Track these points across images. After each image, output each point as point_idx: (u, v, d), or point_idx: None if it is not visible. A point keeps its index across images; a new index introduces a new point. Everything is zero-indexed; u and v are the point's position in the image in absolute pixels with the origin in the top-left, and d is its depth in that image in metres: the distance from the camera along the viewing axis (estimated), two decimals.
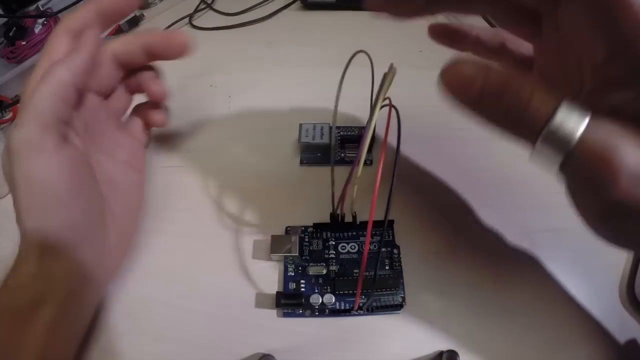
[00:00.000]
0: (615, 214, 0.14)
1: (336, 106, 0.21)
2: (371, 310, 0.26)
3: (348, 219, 0.28)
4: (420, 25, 0.46)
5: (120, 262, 0.28)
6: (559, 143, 0.14)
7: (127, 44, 0.27)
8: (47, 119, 0.20)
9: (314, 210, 0.30)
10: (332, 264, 0.28)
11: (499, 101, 0.15)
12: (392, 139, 0.20)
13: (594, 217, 0.16)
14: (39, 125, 0.19)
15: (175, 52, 0.27)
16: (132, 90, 0.31)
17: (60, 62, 0.20)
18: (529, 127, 0.15)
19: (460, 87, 0.16)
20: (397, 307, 0.26)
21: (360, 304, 0.26)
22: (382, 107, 0.20)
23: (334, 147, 0.34)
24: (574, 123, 0.14)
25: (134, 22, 0.47)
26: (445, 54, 0.43)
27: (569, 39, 0.16)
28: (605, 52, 0.14)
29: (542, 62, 0.20)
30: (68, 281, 0.22)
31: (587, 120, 0.14)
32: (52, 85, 0.20)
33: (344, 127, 0.35)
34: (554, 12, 0.16)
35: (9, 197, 0.33)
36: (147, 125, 0.32)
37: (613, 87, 0.14)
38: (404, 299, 0.27)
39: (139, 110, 0.32)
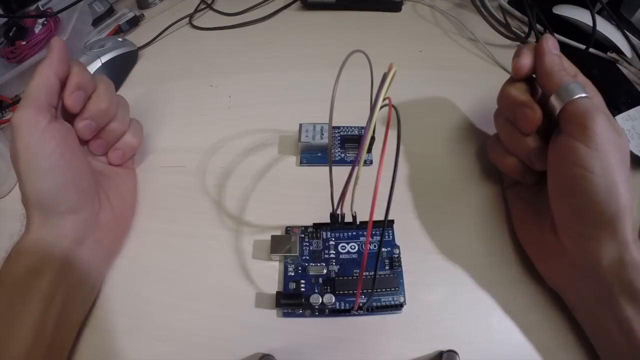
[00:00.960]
0: (590, 141, 0.22)
1: (332, 106, 0.21)
2: (371, 310, 0.26)
3: (348, 219, 0.28)
4: (420, 26, 0.46)
5: (117, 245, 0.29)
6: (564, 96, 0.24)
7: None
8: (39, 102, 0.24)
9: (313, 210, 0.30)
10: (332, 264, 0.28)
11: (559, 62, 0.26)
12: (392, 139, 0.20)
13: (565, 170, 0.24)
14: (34, 107, 0.24)
15: None
16: None
17: (43, 61, 0.26)
18: (560, 80, 0.25)
19: (552, 44, 0.27)
20: (397, 307, 0.26)
21: (360, 304, 0.26)
22: (382, 107, 0.20)
23: (333, 147, 0.34)
24: (575, 92, 0.24)
25: (134, 22, 0.47)
26: (444, 55, 0.44)
27: None
28: None
29: None
30: (64, 249, 0.25)
31: (583, 94, 0.24)
32: (40, 76, 0.25)
33: (344, 127, 0.35)
34: None
35: (9, 197, 0.34)
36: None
37: None
38: (403, 299, 0.26)
39: None
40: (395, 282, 0.27)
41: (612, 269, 0.22)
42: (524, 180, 0.29)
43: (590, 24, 0.38)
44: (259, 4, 0.49)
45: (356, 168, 0.22)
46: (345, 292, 0.27)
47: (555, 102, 0.25)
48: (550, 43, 0.27)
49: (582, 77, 0.28)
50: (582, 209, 0.23)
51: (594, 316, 0.24)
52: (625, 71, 0.40)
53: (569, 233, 0.24)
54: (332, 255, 0.28)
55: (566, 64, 0.27)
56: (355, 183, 0.22)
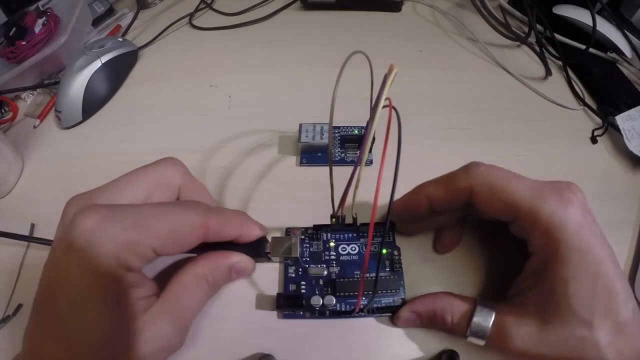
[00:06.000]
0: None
1: (332, 107, 0.21)
2: (372, 312, 0.26)
3: (348, 220, 0.28)
4: (420, 26, 0.46)
5: None
6: (478, 338, 0.23)
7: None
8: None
9: (314, 211, 0.30)
10: (332, 266, 0.28)
11: (435, 326, 0.25)
12: (392, 140, 0.20)
13: None
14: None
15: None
16: None
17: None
18: (459, 335, 0.24)
19: (410, 323, 0.26)
20: (397, 308, 0.26)
21: (361, 306, 0.26)
22: (382, 107, 0.20)
23: (333, 147, 0.34)
24: (484, 326, 0.22)
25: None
26: (444, 55, 0.44)
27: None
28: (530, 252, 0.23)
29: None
30: None
31: (491, 321, 0.22)
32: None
33: (344, 127, 0.34)
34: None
35: (9, 197, 0.34)
36: None
37: (528, 276, 0.23)
38: (404, 300, 0.26)
39: None
40: (395, 283, 0.27)
41: None
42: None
43: (590, 24, 0.38)
44: (259, 4, 0.49)
45: (357, 169, 0.21)
46: (346, 293, 0.27)
47: (476, 343, 0.23)
48: (408, 323, 0.26)
49: None
50: None
51: None
52: (625, 71, 0.40)
53: None
54: (332, 257, 0.28)
55: None
56: (357, 186, 0.22)
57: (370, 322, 0.27)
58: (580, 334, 0.20)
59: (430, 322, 0.25)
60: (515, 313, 0.22)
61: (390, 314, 0.26)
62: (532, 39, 0.42)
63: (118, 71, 0.41)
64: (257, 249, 0.26)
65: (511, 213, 0.23)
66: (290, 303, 0.26)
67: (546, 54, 0.41)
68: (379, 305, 0.26)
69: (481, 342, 0.23)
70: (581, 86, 0.40)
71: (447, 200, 0.25)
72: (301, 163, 0.34)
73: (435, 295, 0.25)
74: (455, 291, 0.27)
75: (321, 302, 0.26)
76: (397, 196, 0.24)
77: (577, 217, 0.21)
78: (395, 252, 0.28)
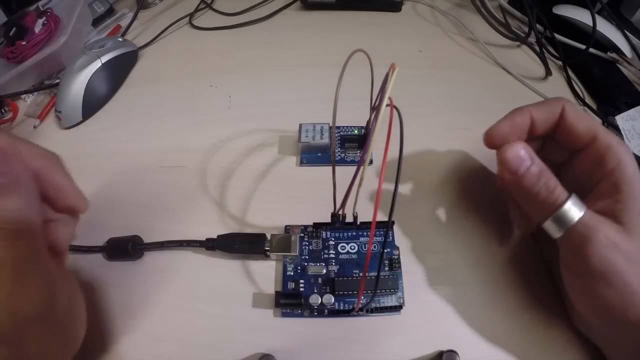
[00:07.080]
0: (588, 272, 0.21)
1: (335, 107, 0.21)
2: (370, 311, 0.26)
3: (348, 219, 0.28)
4: (420, 26, 0.46)
5: None
6: (563, 223, 0.22)
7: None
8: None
9: (313, 210, 0.30)
10: (331, 264, 0.28)
11: (534, 183, 0.23)
12: (391, 140, 0.20)
13: (574, 279, 0.23)
14: None
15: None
16: None
17: None
18: (546, 209, 0.22)
19: (513, 162, 0.23)
20: (396, 308, 0.26)
21: (361, 305, 0.26)
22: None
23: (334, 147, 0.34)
24: (575, 213, 0.22)
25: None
26: (444, 55, 0.44)
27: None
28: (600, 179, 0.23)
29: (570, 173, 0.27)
30: None
31: (582, 212, 0.22)
32: None
33: (343, 127, 0.35)
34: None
35: None
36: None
37: (602, 195, 0.23)
38: (402, 300, 0.26)
39: None
40: (394, 283, 0.27)
41: None
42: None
43: (590, 24, 0.38)
44: (259, 4, 0.49)
45: (361, 169, 0.21)
46: (345, 292, 0.26)
47: (550, 230, 0.23)
48: (518, 159, 0.23)
49: (601, 139, 0.24)
50: (600, 314, 0.23)
51: None
52: (625, 71, 0.40)
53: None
54: (331, 255, 0.28)
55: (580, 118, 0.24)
56: (360, 184, 0.22)
57: (369, 321, 0.27)
58: None
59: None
60: (603, 218, 0.22)
61: (391, 313, 0.26)
62: (532, 39, 0.42)
63: (118, 71, 0.41)
64: (255, 246, 0.26)
65: (592, 134, 0.24)
66: (289, 301, 0.26)
67: (546, 54, 0.41)
68: (377, 305, 0.26)
69: (557, 233, 0.22)
70: (581, 86, 0.40)
71: (546, 121, 0.25)
72: (301, 163, 0.34)
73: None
74: (455, 292, 0.28)
75: (320, 301, 0.26)
76: (401, 193, 0.24)
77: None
78: (395, 252, 0.28)
